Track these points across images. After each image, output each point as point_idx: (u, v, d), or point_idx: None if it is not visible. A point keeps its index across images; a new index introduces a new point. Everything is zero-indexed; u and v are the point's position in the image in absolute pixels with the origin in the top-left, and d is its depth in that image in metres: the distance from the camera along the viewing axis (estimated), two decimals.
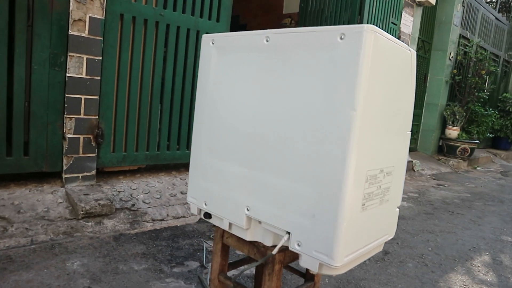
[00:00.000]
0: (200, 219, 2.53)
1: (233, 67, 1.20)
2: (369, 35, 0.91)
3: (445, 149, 6.57)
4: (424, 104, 6.43)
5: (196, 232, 2.34)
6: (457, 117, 6.31)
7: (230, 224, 1.24)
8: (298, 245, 1.05)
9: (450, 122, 6.41)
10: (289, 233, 1.07)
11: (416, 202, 3.73)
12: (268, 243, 1.19)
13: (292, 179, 1.05)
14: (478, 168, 6.62)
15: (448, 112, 6.36)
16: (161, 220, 2.39)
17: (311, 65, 1.01)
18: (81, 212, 2.11)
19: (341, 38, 0.95)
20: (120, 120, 2.50)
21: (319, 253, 1.00)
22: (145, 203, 2.44)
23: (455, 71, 6.48)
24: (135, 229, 2.23)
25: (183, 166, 3.02)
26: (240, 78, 1.18)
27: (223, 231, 1.35)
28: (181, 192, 2.69)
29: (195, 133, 1.33)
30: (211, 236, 2.28)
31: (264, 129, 1.11)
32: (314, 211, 1.01)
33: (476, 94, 6.41)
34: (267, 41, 1.11)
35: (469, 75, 6.52)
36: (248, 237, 1.22)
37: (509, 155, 7.89)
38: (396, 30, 4.69)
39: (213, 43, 1.26)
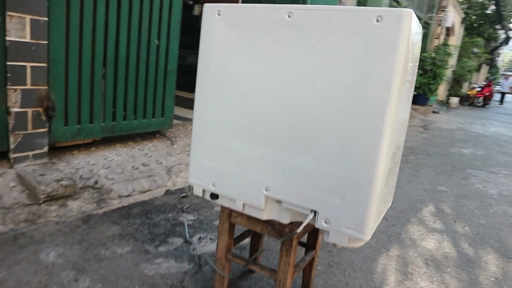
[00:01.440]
0: (167, 191, 2.45)
1: (247, 41, 1.13)
2: (407, 19, 0.92)
3: None
4: None
5: (166, 205, 2.27)
6: None
7: (243, 205, 1.23)
8: (326, 222, 1.08)
9: None
10: (314, 211, 1.09)
11: None
12: (285, 221, 1.20)
13: (321, 159, 1.06)
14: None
15: None
16: (127, 196, 2.26)
17: (342, 45, 0.99)
18: (42, 196, 1.91)
19: (377, 21, 0.94)
20: (73, 90, 2.24)
21: (349, 228, 1.05)
22: (108, 179, 2.28)
23: None
24: (103, 208, 2.09)
25: (139, 136, 2.85)
26: (257, 53, 1.12)
27: (231, 210, 1.33)
28: (143, 164, 2.55)
29: (198, 112, 1.25)
30: (184, 209, 2.23)
31: (289, 109, 1.08)
32: (344, 189, 1.04)
33: None
34: (289, 16, 1.05)
35: None
36: (264, 216, 1.22)
37: (426, 110, 8.77)
38: None
39: (219, 14, 1.16)
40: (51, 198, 1.95)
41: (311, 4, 4.32)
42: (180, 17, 2.77)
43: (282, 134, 1.11)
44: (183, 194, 2.43)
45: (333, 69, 1.01)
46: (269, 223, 1.25)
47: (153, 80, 2.71)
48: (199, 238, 1.91)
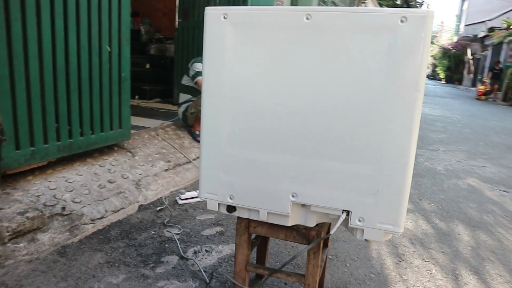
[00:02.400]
0: (140, 207, 2.30)
1: (261, 46, 1.08)
2: (430, 19, 0.95)
3: None
4: None
5: (145, 222, 2.12)
6: None
7: (267, 213, 1.19)
8: (359, 220, 1.09)
9: None
10: (347, 211, 1.10)
11: None
12: (311, 224, 1.19)
13: (352, 161, 1.06)
14: None
15: None
16: (101, 218, 2.07)
17: (366, 47, 1.00)
18: (7, 234, 1.66)
19: (401, 21, 0.96)
20: (22, 109, 1.97)
21: (384, 224, 1.07)
22: (76, 202, 2.06)
23: None
24: (77, 236, 1.89)
25: (96, 151, 2.62)
26: (274, 58, 1.08)
27: (249, 221, 1.28)
28: (109, 181, 2.36)
29: (208, 123, 1.18)
30: (165, 223, 2.11)
31: (313, 113, 1.07)
32: (377, 187, 1.05)
33: None
34: (307, 19, 1.03)
35: None
36: (290, 223, 1.19)
37: None
38: None
39: (225, 18, 1.10)
40: (18, 235, 1.71)
41: (251, 5, 4.33)
42: (129, 21, 2.58)
43: (308, 140, 1.09)
44: (159, 208, 2.30)
45: (358, 71, 1.01)
46: (293, 228, 1.23)
47: (107, 90, 2.51)
48: (194, 252, 1.82)
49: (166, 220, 2.15)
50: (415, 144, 1.02)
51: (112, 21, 2.44)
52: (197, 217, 2.24)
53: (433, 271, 1.77)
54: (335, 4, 8.12)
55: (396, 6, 16.64)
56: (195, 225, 2.13)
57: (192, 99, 3.51)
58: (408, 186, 1.04)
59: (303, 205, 1.17)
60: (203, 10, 4.49)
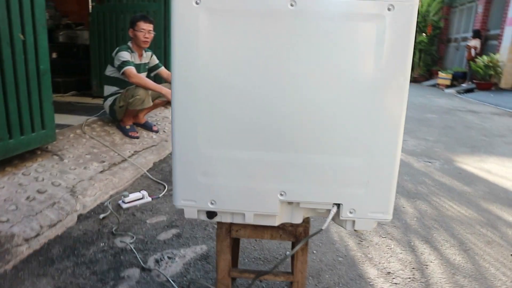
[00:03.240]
0: (79, 216, 2.05)
1: (240, 35, 0.98)
2: (415, 7, 0.94)
3: None
4: None
5: (89, 234, 1.90)
6: None
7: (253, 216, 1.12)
8: (350, 212, 1.08)
9: None
10: (338, 204, 1.07)
11: None
12: (298, 220, 1.15)
13: (341, 153, 1.03)
14: None
15: None
16: (36, 236, 1.79)
17: (354, 35, 0.96)
18: None
19: (388, 9, 0.94)
20: None
21: (375, 213, 1.07)
22: (3, 222, 1.75)
23: None
24: (10, 262, 1.61)
25: (16, 158, 2.25)
26: (254, 47, 0.99)
27: (230, 225, 1.19)
28: (39, 191, 2.05)
29: (180, 122, 1.05)
30: (113, 231, 1.91)
31: (299, 107, 1.01)
32: (367, 177, 1.04)
33: None
34: (291, 5, 0.95)
35: None
36: (277, 222, 1.14)
37: None
38: None
39: (197, 3, 0.97)
40: None
41: None
42: (44, 4, 2.22)
43: (295, 134, 1.03)
44: (102, 215, 2.07)
45: (346, 60, 0.97)
46: (279, 227, 1.18)
47: (25, 86, 2.15)
48: (156, 261, 1.67)
49: (114, 228, 1.94)
50: (403, 131, 1.02)
51: (23, 3, 2.07)
52: (147, 221, 2.07)
53: (392, 246, 1.87)
54: None
55: None
56: (147, 230, 1.96)
57: (120, 91, 3.21)
58: (396, 173, 1.05)
59: (290, 203, 1.12)
60: None
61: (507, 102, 7.27)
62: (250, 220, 1.11)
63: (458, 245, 1.92)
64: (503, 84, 8.94)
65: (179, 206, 1.12)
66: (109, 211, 2.11)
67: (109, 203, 2.22)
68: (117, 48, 3.14)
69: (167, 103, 3.52)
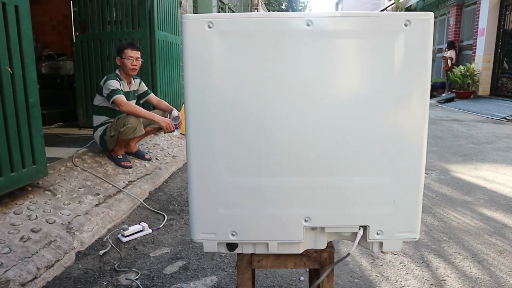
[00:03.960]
0: (78, 254, 1.94)
1: (257, 58, 0.96)
2: (432, 22, 0.94)
3: None
4: None
5: (90, 273, 1.79)
6: None
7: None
8: (377, 234, 1.04)
9: None
10: (364, 227, 1.03)
11: None
12: (322, 246, 1.11)
13: (368, 174, 1.00)
14: None
15: None
16: (33, 279, 1.68)
17: (372, 52, 0.95)
18: None
19: (405, 25, 0.93)
20: None
21: (402, 232, 1.04)
22: None
23: None
24: None
25: (6, 197, 2.14)
26: (273, 71, 0.96)
27: (251, 256, 1.13)
28: (33, 230, 1.93)
29: (198, 152, 1.00)
30: (116, 268, 1.81)
31: (321, 129, 0.98)
32: (394, 197, 1.01)
33: None
34: (308, 25, 0.93)
35: None
36: (301, 249, 1.08)
37: None
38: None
39: (210, 27, 0.94)
40: None
41: (156, 10, 4.08)
42: (31, 36, 2.17)
43: (317, 157, 0.99)
44: (102, 251, 1.96)
45: (367, 78, 0.96)
46: (303, 254, 1.12)
47: (14, 120, 2.06)
48: None
49: (117, 265, 1.84)
50: (426, 147, 1.00)
51: (11, 35, 2.01)
52: (150, 254, 1.97)
53: (406, 263, 1.83)
54: (232, 10, 8.20)
55: (281, 10, 17.56)
56: (152, 264, 1.87)
57: (110, 120, 3.13)
58: (422, 190, 1.02)
59: (313, 228, 1.07)
60: (103, 21, 4.12)
61: (487, 109, 7.47)
62: (274, 249, 1.06)
63: (471, 257, 1.89)
64: (481, 92, 9.21)
65: (197, 240, 1.06)
66: (109, 246, 2.01)
67: (108, 237, 2.11)
68: (105, 77, 3.08)
69: (158, 129, 3.46)
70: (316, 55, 0.95)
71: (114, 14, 4.11)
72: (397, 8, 13.74)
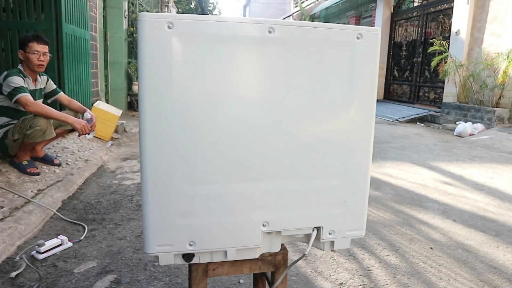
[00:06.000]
0: None
1: (217, 62, 0.94)
2: (379, 36, 1.03)
3: (135, 104, 6.91)
4: (108, 64, 6.33)
5: None
6: None
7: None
8: (330, 233, 1.10)
9: (135, 78, 6.73)
10: (318, 228, 1.08)
11: None
12: (276, 249, 1.13)
13: (320, 176, 1.05)
14: None
15: (133, 69, 6.62)
16: None
17: (327, 61, 1.00)
18: None
19: (357, 38, 1.00)
20: None
21: (351, 231, 1.12)
22: None
23: (132, 29, 6.69)
24: None
25: None
26: (232, 75, 0.95)
27: (207, 265, 1.10)
28: None
29: (153, 160, 0.94)
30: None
31: (279, 134, 1.00)
32: (344, 197, 1.08)
33: None
34: (269, 32, 0.95)
35: None
36: (257, 254, 1.09)
37: None
38: None
39: (170, 28, 0.90)
40: None
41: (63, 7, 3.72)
42: None
43: (275, 162, 1.01)
44: (14, 273, 1.72)
45: (321, 85, 1.00)
46: (258, 258, 1.13)
47: None
48: None
49: (35, 286, 1.63)
50: (372, 150, 1.09)
51: None
52: (74, 270, 1.79)
53: (335, 257, 1.96)
54: (141, 5, 7.84)
55: (191, 10, 17.35)
56: (78, 282, 1.70)
57: (12, 122, 2.76)
58: (368, 191, 1.11)
59: (269, 232, 1.09)
60: None
61: (382, 112, 8.38)
62: (232, 256, 1.05)
63: (389, 247, 2.10)
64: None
65: (153, 254, 1.00)
66: (22, 266, 1.77)
67: (20, 257, 1.86)
68: (5, 73, 2.69)
69: (70, 131, 3.15)
70: (276, 62, 0.96)
71: (11, 0, 3.62)
72: (302, 15, 14.61)
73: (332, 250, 1.16)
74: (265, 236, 1.08)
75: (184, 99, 0.93)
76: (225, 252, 1.05)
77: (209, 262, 1.10)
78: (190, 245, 1.01)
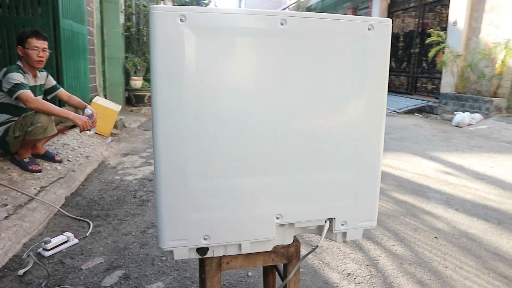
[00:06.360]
0: None
1: (230, 55, 0.93)
2: (390, 26, 1.02)
3: (133, 99, 6.88)
4: (105, 59, 6.28)
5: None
6: (138, 67, 6.66)
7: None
8: (342, 224, 1.11)
9: (133, 73, 6.69)
10: (330, 219, 1.09)
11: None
12: (289, 241, 1.14)
13: (333, 169, 1.05)
14: None
15: (130, 64, 6.58)
16: None
17: (339, 52, 0.99)
18: None
19: (368, 29, 1.00)
20: None
21: (363, 221, 1.12)
22: None
23: (129, 23, 6.62)
24: None
25: None
26: (246, 68, 0.96)
27: (220, 258, 1.10)
28: None
29: (166, 154, 0.94)
30: (43, 286, 1.60)
31: (293, 127, 1.00)
32: (356, 189, 1.09)
33: None
34: (281, 24, 0.94)
35: (141, 27, 6.88)
36: (271, 247, 1.10)
37: None
38: None
39: (182, 21, 0.89)
40: None
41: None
42: None
43: (288, 155, 1.01)
44: (22, 271, 1.72)
45: (333, 78, 1.00)
46: (271, 250, 1.14)
47: None
48: None
49: (44, 283, 1.63)
50: (383, 141, 1.09)
51: None
52: (82, 267, 1.79)
53: (341, 248, 1.97)
54: (138, 0, 7.76)
55: (187, 3, 17.10)
56: (87, 278, 1.70)
57: (13, 119, 2.74)
58: (379, 183, 1.11)
59: (282, 224, 1.09)
60: None
61: None
62: (246, 249, 1.06)
63: (394, 237, 2.12)
64: None
65: (167, 248, 1.00)
66: (30, 264, 1.77)
67: (27, 254, 1.85)
68: (5, 69, 2.67)
69: (71, 127, 3.13)
70: (289, 55, 0.96)
71: None
72: (298, 7, 14.52)
73: (344, 241, 1.17)
74: (279, 229, 1.09)
75: (197, 93, 0.92)
76: (239, 245, 1.05)
77: (223, 256, 1.11)
78: (205, 239, 1.01)
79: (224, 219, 1.00)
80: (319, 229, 1.13)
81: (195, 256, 1.03)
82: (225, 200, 0.99)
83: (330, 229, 1.10)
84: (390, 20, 1.02)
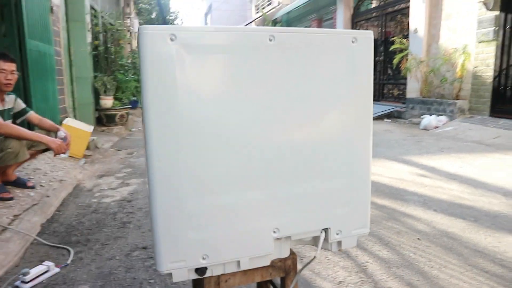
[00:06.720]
0: None
1: (222, 72, 0.94)
2: (372, 38, 1.06)
3: (104, 119, 6.71)
4: (74, 79, 6.11)
5: None
6: (108, 86, 6.53)
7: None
8: (337, 234, 1.12)
9: (103, 93, 6.55)
10: (326, 229, 1.10)
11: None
12: (286, 254, 1.14)
13: (326, 179, 1.07)
14: (132, 129, 7.30)
15: (99, 83, 6.44)
16: None
17: (326, 65, 1.02)
18: None
19: (352, 42, 1.03)
20: None
21: (357, 229, 1.14)
22: None
23: (97, 42, 6.50)
24: None
25: None
26: (238, 84, 0.96)
27: (219, 276, 1.08)
28: None
29: (162, 175, 0.93)
30: None
31: (282, 138, 1.01)
32: (349, 197, 1.11)
33: (119, 62, 6.82)
34: (270, 40, 0.96)
35: (109, 45, 6.76)
36: (269, 261, 1.10)
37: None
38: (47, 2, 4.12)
39: (172, 40, 0.89)
40: None
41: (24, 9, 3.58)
42: None
43: (283, 169, 1.02)
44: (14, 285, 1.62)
45: (322, 89, 1.03)
46: (269, 265, 1.13)
47: None
48: None
49: None
50: (371, 149, 1.12)
51: None
52: (79, 287, 1.72)
53: (329, 256, 1.99)
54: (104, 19, 7.66)
55: (152, 21, 17.04)
56: None
57: None
58: (370, 189, 1.14)
59: (278, 238, 1.09)
60: None
61: None
62: (245, 265, 1.05)
63: (379, 242, 2.16)
64: None
65: (166, 271, 0.97)
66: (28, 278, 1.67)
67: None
68: None
69: (43, 151, 3.02)
70: (277, 69, 0.98)
71: None
72: (264, 21, 14.79)
73: (339, 250, 1.18)
74: (276, 242, 1.09)
75: (189, 111, 0.92)
76: (238, 262, 1.04)
77: (221, 274, 1.09)
78: (203, 258, 0.99)
79: (222, 237, 0.99)
80: (315, 240, 1.13)
81: (194, 276, 1.02)
82: (222, 217, 0.99)
83: (326, 239, 1.11)
84: (371, 32, 1.06)
